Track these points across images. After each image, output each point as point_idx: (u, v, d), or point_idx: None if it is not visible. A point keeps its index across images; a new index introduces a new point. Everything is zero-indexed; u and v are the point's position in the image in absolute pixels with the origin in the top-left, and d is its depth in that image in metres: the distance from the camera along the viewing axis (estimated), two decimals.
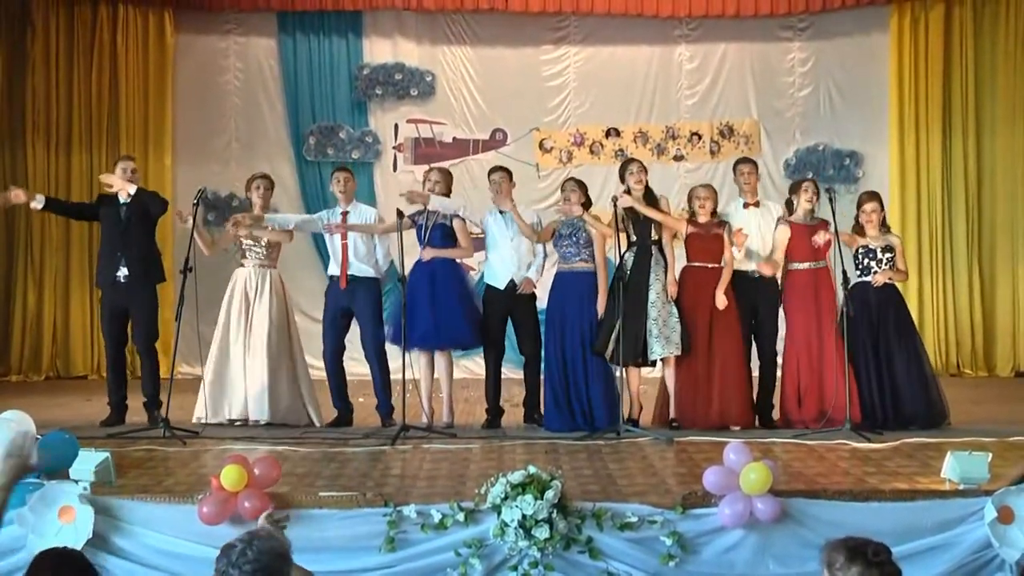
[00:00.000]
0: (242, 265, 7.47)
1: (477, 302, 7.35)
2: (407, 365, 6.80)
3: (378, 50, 11.35)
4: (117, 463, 5.06)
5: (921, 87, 11.04)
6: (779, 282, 7.33)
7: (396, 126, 11.39)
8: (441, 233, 7.24)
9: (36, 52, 10.73)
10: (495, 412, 7.32)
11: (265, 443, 6.48)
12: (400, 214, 7.01)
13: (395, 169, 11.36)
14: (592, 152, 11.38)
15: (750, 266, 7.29)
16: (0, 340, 10.70)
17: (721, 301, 7.07)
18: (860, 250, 7.24)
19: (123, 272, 7.23)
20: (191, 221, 7.08)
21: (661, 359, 7.13)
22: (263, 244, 7.42)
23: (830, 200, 6.99)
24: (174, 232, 9.88)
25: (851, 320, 6.90)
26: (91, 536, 4.57)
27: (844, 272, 6.81)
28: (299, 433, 6.93)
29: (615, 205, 7.05)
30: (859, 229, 7.30)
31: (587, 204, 7.27)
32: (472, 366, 9.95)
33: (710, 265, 7.15)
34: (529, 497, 4.53)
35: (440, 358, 7.28)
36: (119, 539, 4.66)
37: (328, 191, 10.03)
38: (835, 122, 11.30)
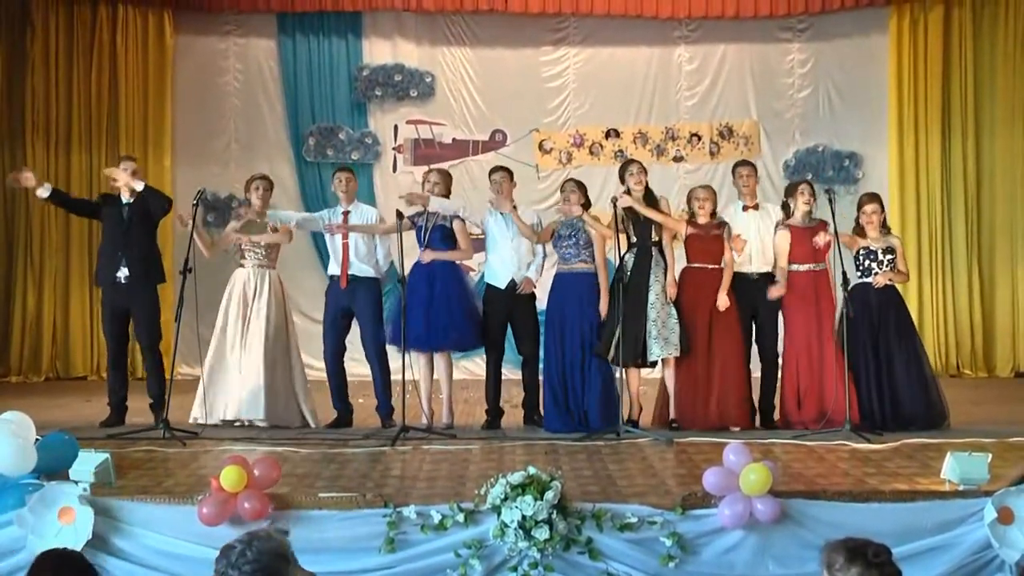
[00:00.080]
0: (241, 266, 7.47)
1: (477, 303, 7.35)
2: (407, 366, 6.80)
3: (378, 51, 11.35)
4: (117, 464, 5.05)
5: (920, 88, 11.05)
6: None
7: (396, 127, 11.40)
8: (441, 234, 7.24)
9: (36, 52, 10.73)
10: (495, 413, 7.32)
11: (265, 444, 6.48)
12: (400, 215, 7.01)
13: (395, 170, 11.36)
14: (592, 153, 11.38)
15: (750, 267, 7.30)
16: (0, 340, 10.69)
17: (723, 303, 7.07)
18: (861, 251, 7.24)
19: (124, 272, 7.23)
20: (191, 224, 7.08)
21: (661, 360, 7.14)
22: (262, 245, 7.41)
23: (830, 201, 6.99)
24: (174, 233, 9.89)
25: (851, 321, 6.90)
26: (91, 537, 4.56)
27: (844, 273, 6.81)
28: (298, 434, 6.93)
29: (615, 206, 7.05)
30: (859, 230, 7.30)
31: (587, 205, 7.28)
32: (472, 367, 9.96)
33: (710, 266, 7.16)
34: (529, 498, 4.53)
35: (440, 359, 7.28)
36: (119, 540, 4.65)
37: (328, 192, 10.06)
38: (834, 123, 11.31)
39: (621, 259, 6.99)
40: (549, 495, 4.55)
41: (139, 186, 7.27)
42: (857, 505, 4.77)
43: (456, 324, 7.14)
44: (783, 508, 4.66)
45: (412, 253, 7.29)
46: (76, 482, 4.73)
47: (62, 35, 10.81)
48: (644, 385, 7.39)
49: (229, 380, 7.19)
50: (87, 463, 4.79)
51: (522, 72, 11.36)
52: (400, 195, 7.57)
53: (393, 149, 11.39)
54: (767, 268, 7.31)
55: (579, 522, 4.62)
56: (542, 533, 4.53)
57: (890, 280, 7.20)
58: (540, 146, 11.37)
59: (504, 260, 7.31)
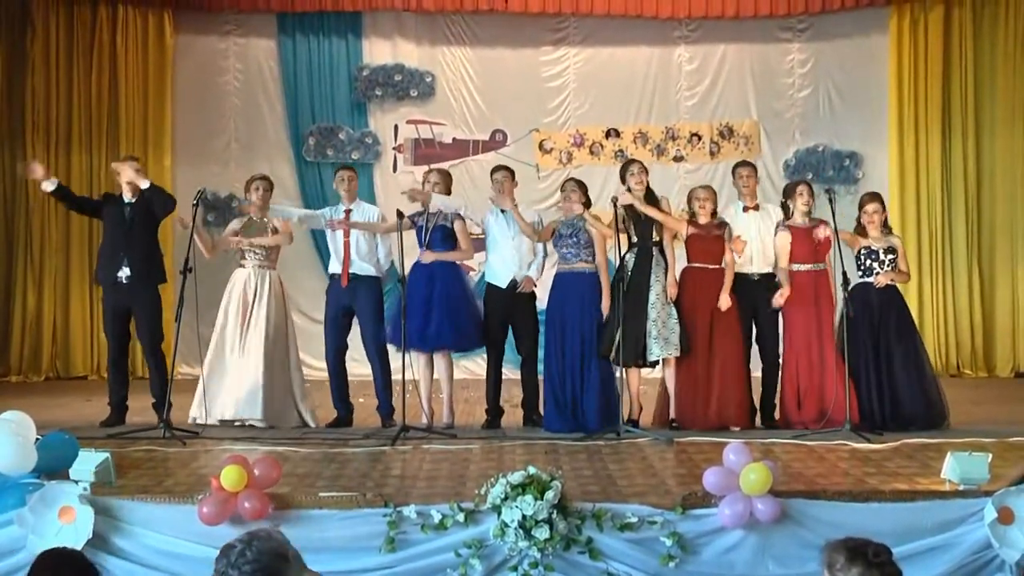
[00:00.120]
0: (241, 266, 7.47)
1: (477, 303, 7.35)
2: (407, 365, 6.80)
3: (378, 51, 11.35)
4: (117, 463, 5.05)
5: (921, 88, 11.05)
6: (779, 284, 7.34)
7: (396, 127, 11.40)
8: (442, 235, 7.24)
9: (36, 52, 10.73)
10: (495, 412, 7.32)
11: (265, 444, 6.48)
12: (400, 215, 7.01)
13: (395, 170, 11.37)
14: (592, 153, 11.39)
15: (751, 268, 7.30)
16: (0, 340, 10.70)
17: (725, 303, 7.07)
18: (863, 251, 7.24)
19: (125, 272, 7.24)
20: (192, 226, 7.09)
21: (661, 360, 7.14)
22: (263, 246, 7.41)
23: (830, 201, 7.00)
24: (174, 233, 9.87)
25: (852, 321, 6.90)
26: (91, 536, 4.56)
27: (844, 273, 6.81)
28: (298, 433, 6.93)
29: (615, 205, 7.05)
30: (861, 230, 7.30)
31: (587, 205, 7.28)
32: (472, 366, 9.96)
33: (710, 266, 7.16)
34: (529, 498, 4.53)
35: (440, 359, 7.28)
36: (119, 539, 4.65)
37: (328, 191, 10.08)
38: (835, 123, 11.31)
39: (622, 259, 6.98)
40: (549, 495, 4.55)
41: (144, 184, 7.28)
42: (857, 505, 4.77)
43: (456, 324, 7.14)
44: (783, 508, 4.65)
45: (412, 253, 7.29)
46: (76, 481, 4.73)
47: (62, 35, 10.82)
48: (644, 385, 7.40)
49: (228, 380, 7.19)
50: (87, 462, 4.79)
51: (522, 72, 11.36)
52: (402, 192, 7.57)
53: (393, 149, 11.40)
54: (768, 269, 7.31)
55: (579, 522, 4.62)
56: (542, 533, 4.53)
57: (891, 280, 7.20)
58: (540, 146, 11.37)
59: (505, 259, 7.32)
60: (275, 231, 7.47)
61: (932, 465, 5.49)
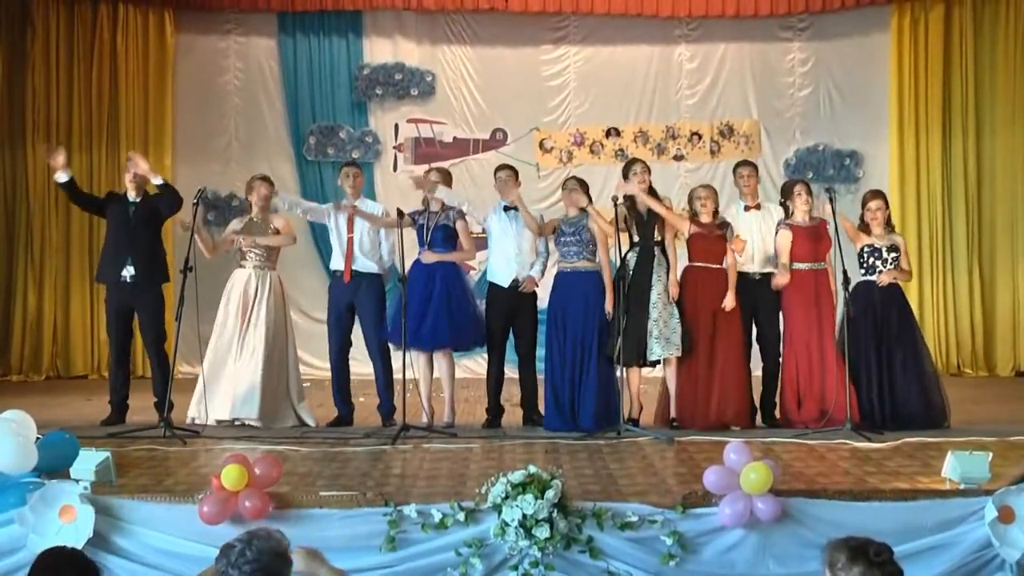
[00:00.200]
0: (241, 266, 7.46)
1: (477, 302, 7.35)
2: (408, 364, 6.80)
3: (378, 50, 11.35)
4: (117, 463, 5.05)
5: (921, 87, 11.05)
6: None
7: (396, 126, 11.40)
8: (444, 234, 7.24)
9: (36, 52, 10.72)
10: (495, 411, 7.32)
11: (265, 443, 6.48)
12: (400, 213, 7.02)
13: (395, 169, 11.37)
14: (592, 152, 11.38)
15: (752, 267, 7.30)
16: (0, 340, 10.70)
17: (731, 304, 7.07)
18: (865, 249, 7.24)
19: (129, 272, 7.25)
20: (192, 226, 7.10)
21: (662, 359, 7.13)
22: (263, 246, 7.41)
23: (830, 200, 7.00)
24: (174, 233, 9.88)
25: (853, 320, 6.90)
26: (92, 536, 4.56)
27: (845, 272, 6.80)
28: (299, 433, 6.93)
29: (616, 204, 7.05)
30: (864, 227, 7.30)
31: (588, 202, 7.27)
32: (472, 366, 9.97)
33: (712, 265, 7.15)
34: (529, 497, 4.53)
35: (441, 358, 7.27)
36: (120, 539, 4.65)
37: (328, 190, 10.09)
38: (835, 122, 11.31)
39: (623, 258, 6.99)
40: (550, 494, 4.55)
41: (158, 180, 7.29)
42: (858, 504, 4.76)
43: (456, 323, 7.13)
44: (784, 507, 4.65)
45: (412, 252, 7.29)
46: (77, 481, 4.73)
47: (62, 34, 10.81)
48: (644, 384, 7.40)
49: (226, 381, 7.18)
50: (88, 462, 4.79)
51: (523, 71, 11.36)
52: (410, 176, 7.57)
53: (394, 148, 11.39)
54: (769, 268, 7.31)
55: (580, 521, 4.62)
56: (543, 532, 4.52)
57: (894, 278, 7.20)
58: (541, 145, 11.37)
59: (507, 259, 7.31)
60: (276, 232, 7.48)
61: (933, 464, 5.49)
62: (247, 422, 7.08)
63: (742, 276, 7.23)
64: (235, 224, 7.63)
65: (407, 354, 6.83)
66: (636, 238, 7.15)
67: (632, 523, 4.64)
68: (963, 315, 10.98)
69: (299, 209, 7.68)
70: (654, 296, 7.03)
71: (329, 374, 7.63)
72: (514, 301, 7.28)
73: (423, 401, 7.24)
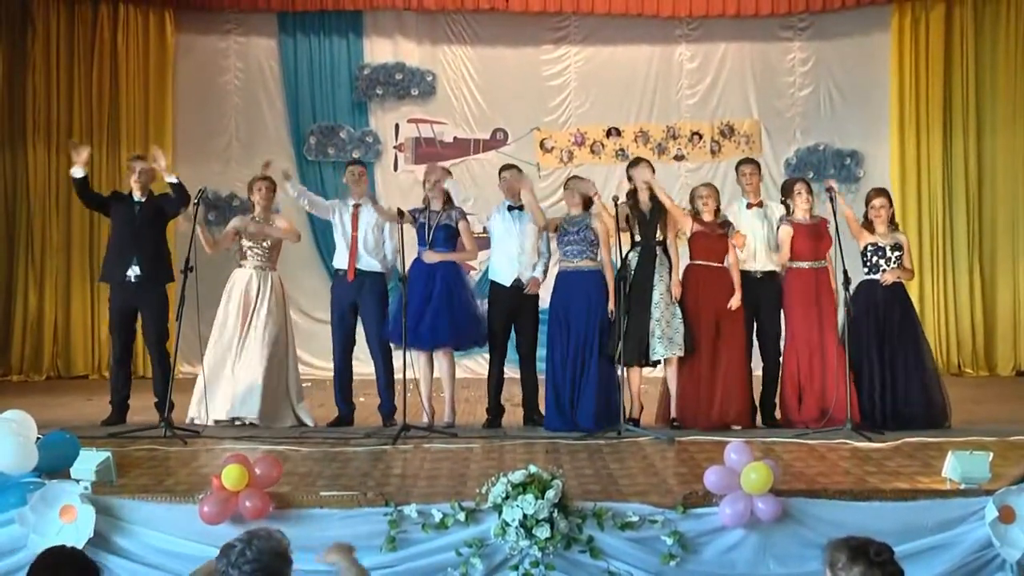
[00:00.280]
0: (241, 266, 7.47)
1: (477, 302, 7.35)
2: (408, 364, 6.80)
3: (379, 50, 11.35)
4: (118, 463, 5.05)
5: (922, 87, 11.05)
6: (781, 282, 7.35)
7: (397, 126, 11.40)
8: (445, 234, 7.24)
9: (36, 52, 10.72)
10: (496, 411, 7.31)
11: (266, 443, 6.48)
12: (401, 213, 7.02)
13: (396, 169, 11.37)
14: (593, 152, 11.38)
15: (754, 265, 7.30)
16: (1, 340, 10.69)
17: (736, 304, 7.08)
18: (869, 248, 7.23)
19: (134, 271, 7.26)
20: (194, 220, 7.10)
21: (663, 359, 7.13)
22: (265, 246, 7.42)
23: (831, 200, 6.99)
24: (175, 232, 9.88)
25: (855, 319, 6.90)
26: (92, 535, 4.57)
27: (845, 272, 6.80)
28: (299, 433, 6.93)
29: (616, 204, 7.05)
30: (867, 225, 7.30)
31: (589, 203, 7.27)
32: (473, 365, 9.97)
33: (714, 264, 7.16)
34: (530, 497, 4.53)
35: (442, 358, 7.27)
36: (120, 538, 4.66)
37: (329, 190, 10.06)
38: (836, 122, 11.31)
39: (624, 258, 6.99)
40: (550, 494, 4.55)
41: (172, 179, 7.33)
42: (858, 504, 4.77)
43: (456, 323, 7.13)
44: (784, 507, 4.65)
45: (412, 251, 7.29)
46: (77, 481, 4.73)
47: (63, 34, 10.80)
48: (645, 384, 7.39)
49: (226, 380, 7.18)
50: (88, 462, 4.79)
51: (523, 71, 11.36)
52: (426, 168, 7.58)
53: (394, 148, 11.39)
54: (771, 266, 7.32)
55: (580, 521, 4.62)
56: (543, 532, 4.52)
57: (898, 277, 7.19)
58: (541, 145, 11.37)
59: (510, 258, 7.31)
60: (286, 230, 7.53)
61: (933, 464, 5.49)
62: (247, 421, 7.08)
63: (744, 275, 7.23)
64: (236, 222, 7.64)
65: (407, 354, 6.83)
66: (638, 237, 7.15)
67: (633, 523, 4.64)
68: (964, 315, 10.98)
69: (305, 199, 7.63)
70: (656, 296, 7.03)
71: (329, 374, 7.64)
72: (516, 301, 7.28)
73: (423, 401, 7.24)
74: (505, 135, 11.37)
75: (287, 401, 7.32)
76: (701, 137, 11.39)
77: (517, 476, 4.62)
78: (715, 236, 7.18)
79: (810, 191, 7.37)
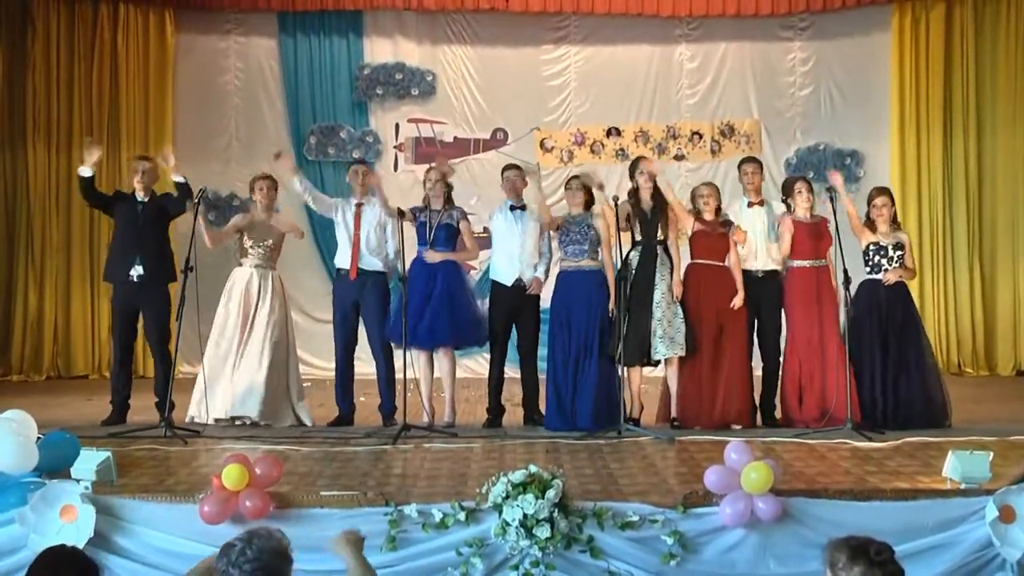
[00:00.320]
0: (241, 264, 7.48)
1: (477, 301, 7.35)
2: (408, 364, 6.80)
3: (379, 50, 11.35)
4: (118, 462, 5.05)
5: (922, 87, 11.05)
6: (782, 281, 7.35)
7: (397, 126, 11.40)
8: (446, 234, 7.24)
9: (37, 51, 10.72)
10: (496, 411, 7.31)
11: (266, 442, 6.48)
12: (401, 213, 7.03)
13: (396, 169, 11.36)
14: (593, 151, 11.38)
15: (755, 264, 7.30)
16: (1, 340, 10.70)
17: (739, 303, 7.08)
18: (871, 247, 7.23)
19: (137, 271, 7.26)
20: (195, 216, 7.13)
21: (663, 358, 7.13)
22: (267, 245, 7.42)
23: (831, 199, 6.99)
24: (175, 232, 9.88)
25: (857, 319, 6.91)
26: (92, 535, 4.56)
27: (845, 271, 6.80)
28: (299, 432, 6.93)
29: (616, 204, 7.05)
30: (870, 223, 7.30)
31: (591, 202, 7.28)
32: (473, 365, 9.97)
33: (715, 263, 7.16)
34: (530, 496, 4.53)
35: (443, 357, 7.28)
36: (120, 538, 4.66)
37: (328, 190, 10.03)
38: (836, 122, 11.31)
39: (626, 257, 6.99)
40: (550, 493, 4.55)
41: (179, 178, 7.34)
42: (858, 503, 4.76)
43: (456, 322, 7.14)
44: (784, 507, 4.65)
45: (411, 251, 7.29)
46: (78, 480, 4.73)
47: (63, 34, 10.80)
48: (645, 384, 7.39)
49: (227, 379, 7.18)
50: (89, 461, 4.79)
51: (523, 71, 11.36)
52: (431, 165, 7.58)
53: (394, 148, 11.40)
54: (773, 265, 7.32)
55: (580, 520, 4.62)
56: (543, 531, 4.52)
57: (900, 277, 7.20)
58: (541, 144, 11.37)
59: (511, 258, 7.31)
60: (283, 232, 7.53)
61: (933, 464, 5.49)
62: (248, 420, 7.08)
63: (745, 274, 7.23)
64: (237, 219, 7.64)
65: (408, 353, 6.83)
66: (639, 236, 7.16)
67: (633, 523, 4.64)
68: (964, 314, 10.98)
69: (309, 195, 7.60)
70: (657, 295, 7.03)
71: (328, 374, 7.64)
72: (517, 300, 7.28)
73: (424, 401, 7.24)
74: (505, 135, 11.37)
75: (287, 400, 7.33)
76: (701, 137, 11.39)
77: (517, 476, 4.62)
78: (716, 235, 7.19)
79: (811, 190, 7.37)
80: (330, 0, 10.99)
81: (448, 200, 7.34)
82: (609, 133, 11.39)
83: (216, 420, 7.10)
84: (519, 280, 7.27)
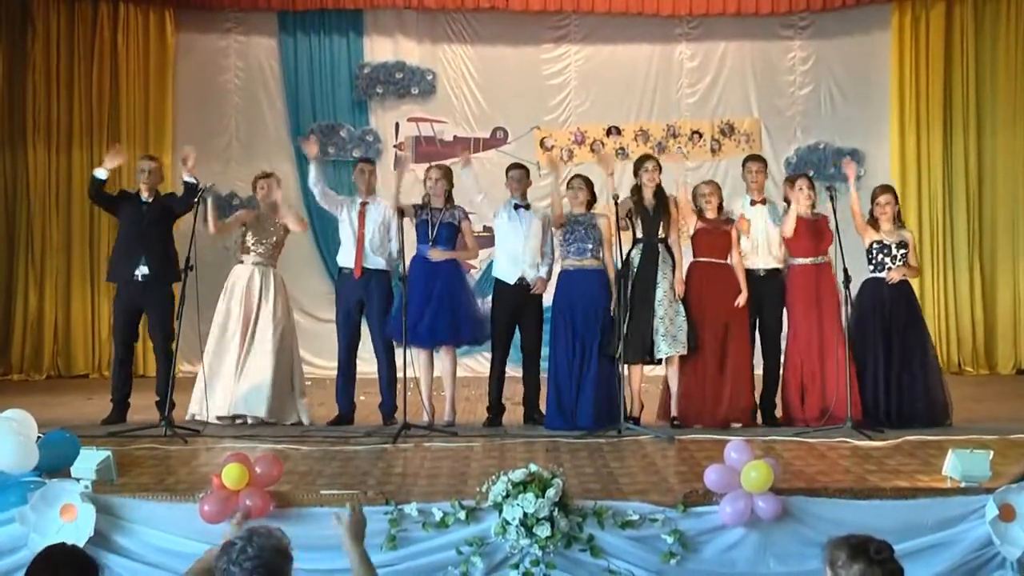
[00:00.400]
0: (241, 262, 7.48)
1: (477, 301, 7.35)
2: (408, 363, 6.80)
3: (379, 49, 11.35)
4: (118, 462, 5.05)
5: (922, 85, 11.04)
6: (783, 278, 7.35)
7: (397, 125, 11.40)
8: (448, 233, 7.25)
9: (37, 51, 10.72)
10: (496, 409, 7.31)
11: (266, 441, 6.48)
12: (400, 212, 7.03)
13: (395, 168, 11.35)
14: (593, 151, 11.37)
15: (756, 261, 7.30)
16: (1, 339, 10.70)
17: (743, 301, 7.09)
18: (874, 245, 7.23)
19: (142, 271, 7.27)
20: (204, 209, 7.22)
21: (664, 357, 7.14)
22: (270, 242, 7.42)
23: (831, 198, 7.00)
24: (175, 232, 9.88)
25: (861, 317, 6.91)
26: (93, 534, 4.57)
27: (845, 270, 6.80)
28: (300, 432, 6.94)
29: (616, 202, 7.05)
30: (873, 222, 7.30)
31: (593, 200, 7.29)
32: (473, 364, 9.97)
33: (717, 261, 7.17)
34: (530, 495, 4.53)
35: (445, 356, 7.29)
36: (120, 537, 4.66)
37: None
38: (836, 120, 11.30)
39: (627, 255, 7.00)
40: (551, 492, 4.55)
41: (191, 179, 7.36)
42: (858, 502, 4.76)
43: (456, 321, 7.14)
44: (784, 505, 4.65)
45: (409, 250, 7.30)
46: (78, 480, 4.73)
47: (63, 33, 10.80)
48: (645, 383, 7.40)
49: (229, 377, 7.19)
50: (89, 461, 4.79)
51: (523, 70, 11.35)
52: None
53: (394, 147, 11.39)
54: (774, 264, 7.32)
55: (581, 519, 4.62)
56: (544, 530, 4.52)
57: (903, 275, 7.20)
58: (541, 143, 11.37)
59: (516, 257, 7.32)
60: (286, 229, 7.51)
61: (933, 462, 5.49)
62: (253, 418, 7.08)
63: (747, 273, 7.23)
64: (244, 213, 7.66)
65: (408, 352, 6.83)
66: (639, 234, 7.16)
67: (633, 522, 4.63)
68: (964, 313, 10.98)
69: (319, 187, 7.55)
70: (660, 293, 7.04)
71: (329, 373, 7.64)
72: (520, 299, 7.29)
73: (424, 400, 7.24)
74: (505, 134, 11.37)
75: (292, 397, 7.34)
76: (701, 136, 11.39)
77: (518, 475, 4.62)
78: (719, 233, 7.20)
79: (812, 186, 7.36)
80: None
81: (448, 199, 7.34)
82: (609, 132, 11.39)
83: (218, 418, 7.11)
84: (522, 279, 7.28)
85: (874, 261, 7.24)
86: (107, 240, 10.34)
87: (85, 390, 9.41)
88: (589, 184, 7.35)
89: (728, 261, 7.20)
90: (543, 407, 7.25)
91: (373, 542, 4.61)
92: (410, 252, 7.34)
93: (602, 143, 11.37)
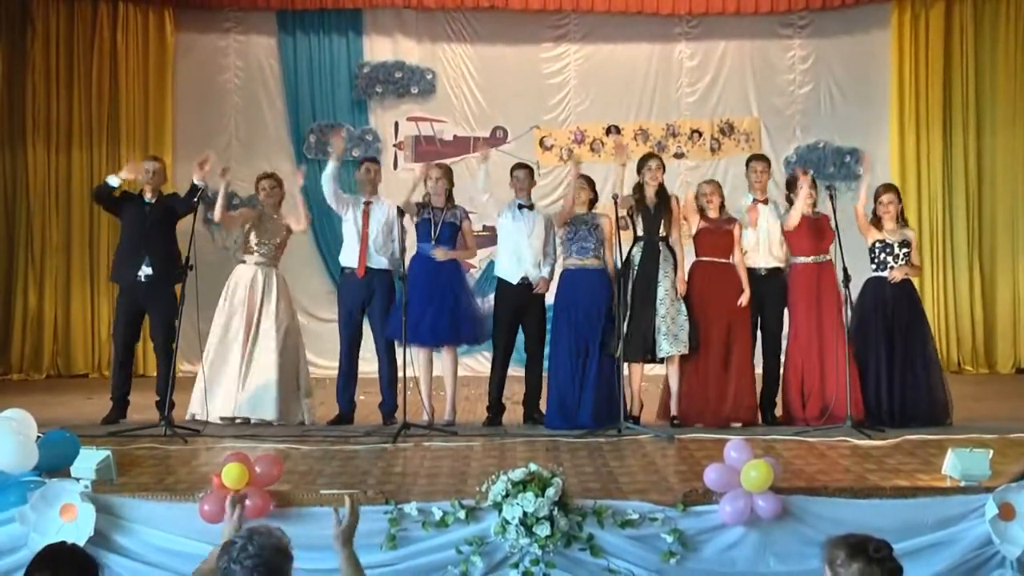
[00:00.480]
0: (243, 262, 7.48)
1: (476, 300, 7.36)
2: (408, 362, 6.80)
3: (378, 48, 11.35)
4: (118, 461, 5.06)
5: (922, 84, 11.05)
6: (785, 278, 7.36)
7: (396, 124, 11.40)
8: (450, 232, 7.26)
9: (36, 51, 10.72)
10: (496, 409, 7.32)
11: (266, 441, 6.49)
12: (400, 212, 7.04)
13: (395, 167, 11.35)
14: (592, 150, 11.38)
15: (758, 260, 7.30)
16: (1, 339, 10.70)
17: (746, 300, 7.09)
18: (877, 244, 7.24)
19: (146, 271, 7.26)
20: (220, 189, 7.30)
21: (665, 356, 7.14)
22: (273, 243, 7.43)
23: (831, 198, 7.00)
24: (176, 232, 9.90)
25: (863, 316, 6.92)
26: (92, 534, 4.57)
27: (845, 270, 6.80)
28: (300, 431, 6.94)
29: (616, 202, 7.05)
30: (876, 221, 7.30)
31: (594, 199, 7.29)
32: (473, 363, 9.97)
33: (719, 260, 7.17)
34: (530, 495, 4.53)
35: (445, 355, 7.29)
36: (120, 537, 4.66)
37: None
38: (836, 119, 11.30)
39: (628, 253, 7.00)
40: (550, 492, 4.55)
41: (201, 183, 7.37)
42: (858, 501, 4.77)
43: (456, 321, 7.14)
44: (784, 505, 4.65)
45: (410, 248, 7.30)
46: (78, 479, 4.73)
47: (62, 33, 10.80)
48: (646, 382, 7.40)
49: (231, 377, 7.19)
50: (89, 460, 4.80)
51: (523, 69, 11.35)
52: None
53: (394, 146, 11.39)
54: (776, 263, 7.32)
55: (580, 519, 4.62)
56: (543, 530, 4.52)
57: (906, 275, 7.20)
58: (541, 143, 11.37)
59: (519, 257, 7.32)
60: (289, 230, 7.51)
61: (933, 461, 5.50)
62: (263, 420, 7.09)
63: (749, 272, 7.23)
64: (249, 211, 7.67)
65: (408, 351, 6.83)
66: (640, 233, 7.16)
67: (633, 521, 4.64)
68: (964, 312, 10.98)
69: (331, 185, 7.51)
70: (661, 292, 7.04)
71: (330, 372, 7.65)
72: (523, 298, 7.29)
73: (424, 399, 7.25)
74: (505, 133, 11.37)
75: (297, 397, 7.35)
76: (701, 135, 11.39)
77: (517, 474, 4.62)
78: (721, 232, 7.20)
79: (813, 185, 7.36)
80: None
81: (449, 198, 7.35)
82: (609, 131, 11.39)
83: (221, 419, 7.11)
84: (525, 278, 7.28)
85: (877, 260, 7.24)
86: (107, 240, 10.35)
87: (85, 390, 9.41)
88: (590, 182, 7.35)
89: (730, 260, 7.20)
90: (543, 407, 7.25)
91: (373, 541, 4.63)
92: (410, 252, 7.34)
93: (602, 142, 11.37)
